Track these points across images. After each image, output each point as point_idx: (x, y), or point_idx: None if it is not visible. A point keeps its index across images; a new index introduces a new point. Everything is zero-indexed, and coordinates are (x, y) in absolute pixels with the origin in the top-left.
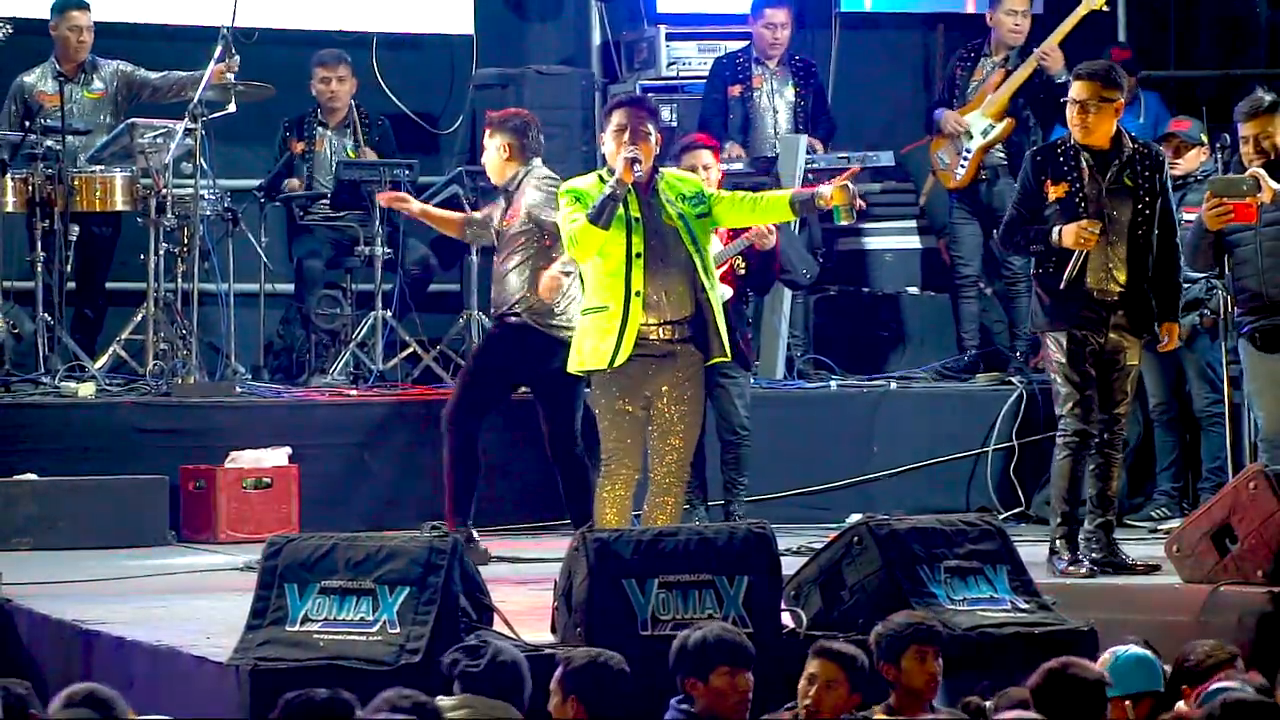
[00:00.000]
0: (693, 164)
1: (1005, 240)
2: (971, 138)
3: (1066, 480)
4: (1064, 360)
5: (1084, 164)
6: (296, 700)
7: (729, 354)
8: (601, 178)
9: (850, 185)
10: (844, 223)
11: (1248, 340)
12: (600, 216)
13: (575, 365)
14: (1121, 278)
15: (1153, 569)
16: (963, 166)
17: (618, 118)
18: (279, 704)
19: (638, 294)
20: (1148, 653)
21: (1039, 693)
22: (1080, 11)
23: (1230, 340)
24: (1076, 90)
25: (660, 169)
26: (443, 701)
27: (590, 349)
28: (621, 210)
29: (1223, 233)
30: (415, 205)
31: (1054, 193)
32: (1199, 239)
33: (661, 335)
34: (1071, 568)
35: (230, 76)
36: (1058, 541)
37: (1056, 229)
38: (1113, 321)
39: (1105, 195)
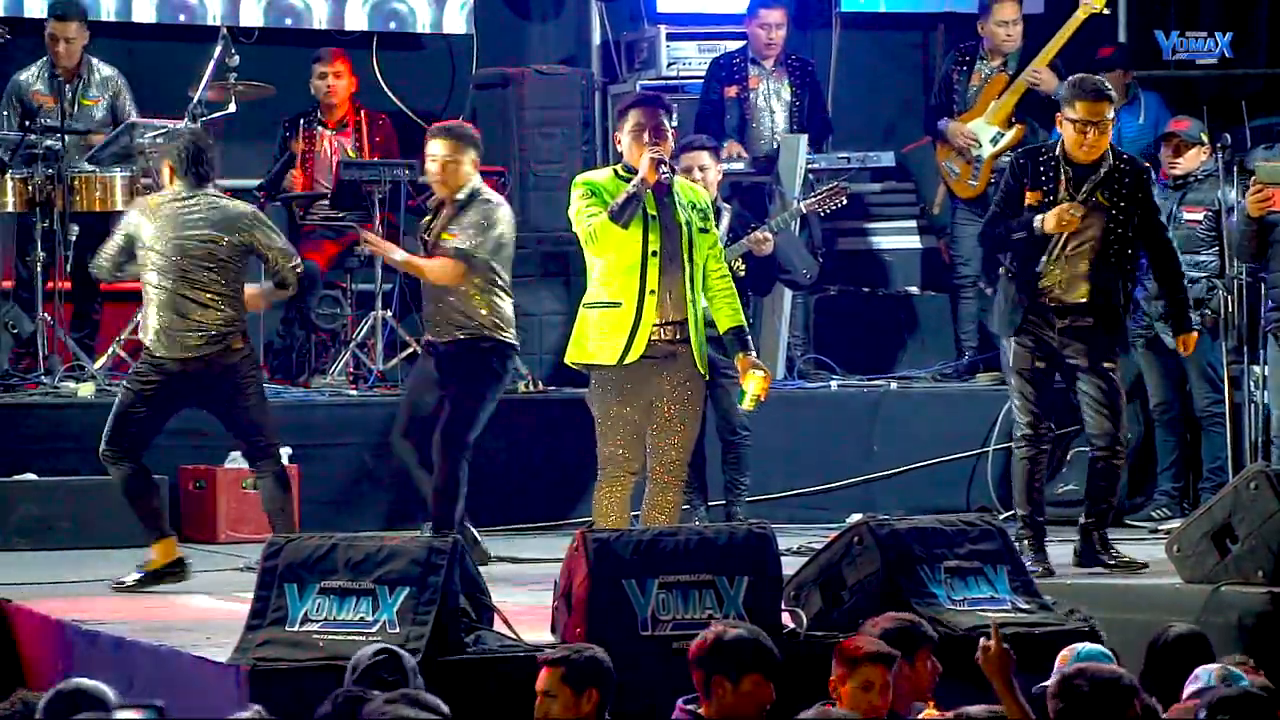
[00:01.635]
0: (690, 165)
1: (985, 233)
2: (981, 146)
3: (1023, 482)
4: (1013, 363)
5: (1062, 175)
6: (352, 696)
7: (705, 370)
8: (617, 173)
9: (768, 382)
10: (742, 405)
11: (1273, 336)
12: (623, 215)
13: (577, 358)
14: (1082, 291)
15: (1141, 566)
16: (975, 177)
17: (635, 116)
18: (331, 697)
19: (652, 293)
20: (1101, 647)
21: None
22: (1080, 16)
23: (1230, 340)
24: (1080, 110)
25: (675, 170)
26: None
27: (597, 343)
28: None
29: (1268, 223)
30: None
31: (1030, 198)
32: (1244, 226)
33: (664, 335)
34: (1036, 567)
35: (231, 78)
36: (1023, 542)
37: (1039, 216)
38: (1059, 327)
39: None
